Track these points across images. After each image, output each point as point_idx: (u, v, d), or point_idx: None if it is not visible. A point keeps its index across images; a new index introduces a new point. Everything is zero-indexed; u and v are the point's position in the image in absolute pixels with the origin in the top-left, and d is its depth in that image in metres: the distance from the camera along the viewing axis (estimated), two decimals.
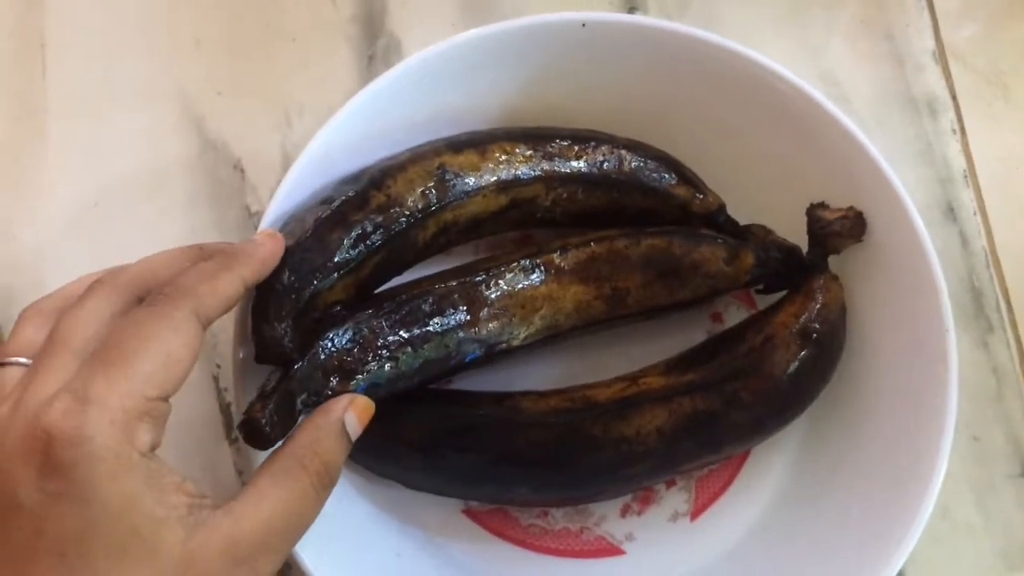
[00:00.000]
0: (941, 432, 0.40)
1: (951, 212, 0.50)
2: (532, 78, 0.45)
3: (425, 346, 0.39)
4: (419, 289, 0.40)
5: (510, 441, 0.41)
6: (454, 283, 0.40)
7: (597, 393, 0.42)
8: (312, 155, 0.41)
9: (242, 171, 0.50)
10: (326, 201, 0.39)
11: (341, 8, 0.53)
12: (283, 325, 0.36)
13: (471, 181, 0.41)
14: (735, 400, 0.41)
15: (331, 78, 0.52)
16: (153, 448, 0.31)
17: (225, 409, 0.47)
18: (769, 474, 0.45)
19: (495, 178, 0.42)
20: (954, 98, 0.52)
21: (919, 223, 0.41)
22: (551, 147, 0.43)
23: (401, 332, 0.39)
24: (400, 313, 0.39)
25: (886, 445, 0.42)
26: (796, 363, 0.41)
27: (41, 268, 0.49)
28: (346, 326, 0.38)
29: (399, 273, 0.41)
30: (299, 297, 0.37)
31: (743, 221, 0.45)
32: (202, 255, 0.35)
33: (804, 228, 0.43)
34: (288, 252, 0.37)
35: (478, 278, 0.41)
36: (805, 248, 0.44)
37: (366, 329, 0.38)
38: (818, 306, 0.42)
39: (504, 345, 0.41)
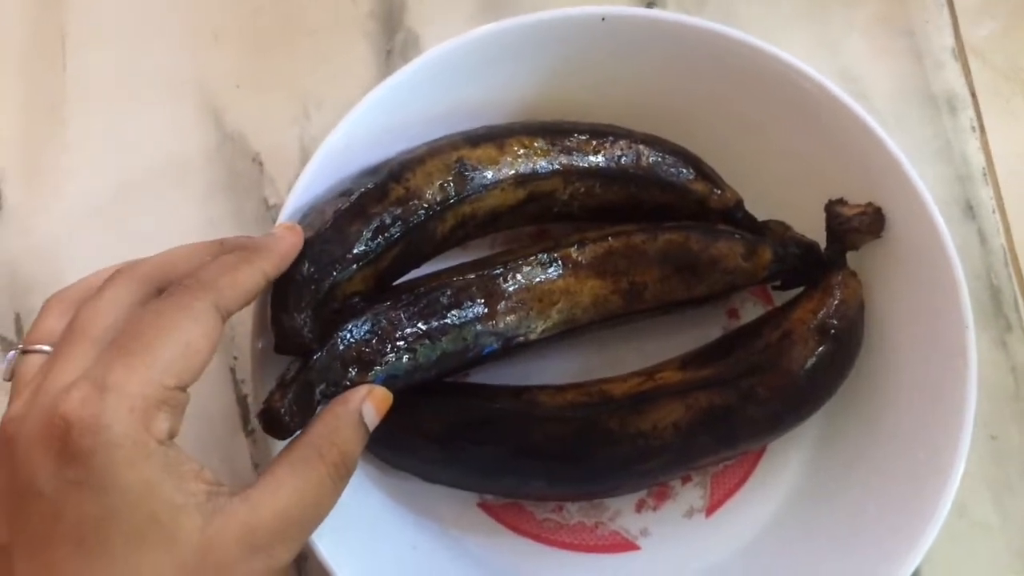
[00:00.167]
0: (959, 429, 0.39)
1: (970, 209, 0.50)
2: (550, 72, 0.45)
3: (443, 338, 0.39)
4: (437, 281, 0.40)
5: (527, 435, 0.41)
6: (472, 276, 0.40)
7: (614, 387, 0.42)
8: (331, 148, 0.41)
9: (260, 164, 0.50)
10: (345, 193, 0.39)
11: (360, 3, 0.53)
12: (303, 316, 0.36)
13: (489, 175, 0.41)
14: (752, 396, 0.41)
15: (349, 72, 0.52)
16: (171, 436, 0.31)
17: (242, 400, 0.47)
18: (785, 470, 0.45)
19: (513, 172, 0.42)
20: (973, 95, 0.52)
21: (938, 219, 0.41)
22: (569, 141, 0.43)
23: (419, 324, 0.39)
24: (418, 305, 0.39)
25: (904, 442, 0.42)
26: (813, 359, 0.41)
27: (60, 259, 0.49)
28: (365, 317, 0.38)
29: (417, 266, 0.41)
30: (319, 288, 0.37)
31: (761, 217, 0.45)
32: (223, 250, 0.35)
33: (822, 224, 0.43)
34: (308, 243, 0.37)
35: (496, 271, 0.41)
36: (823, 244, 0.44)
37: (384, 320, 0.38)
38: (836, 302, 0.42)
39: (521, 338, 0.41)
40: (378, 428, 0.40)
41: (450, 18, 0.53)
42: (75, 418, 0.29)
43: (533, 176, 0.42)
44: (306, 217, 0.40)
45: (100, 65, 0.52)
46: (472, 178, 0.41)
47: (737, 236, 0.43)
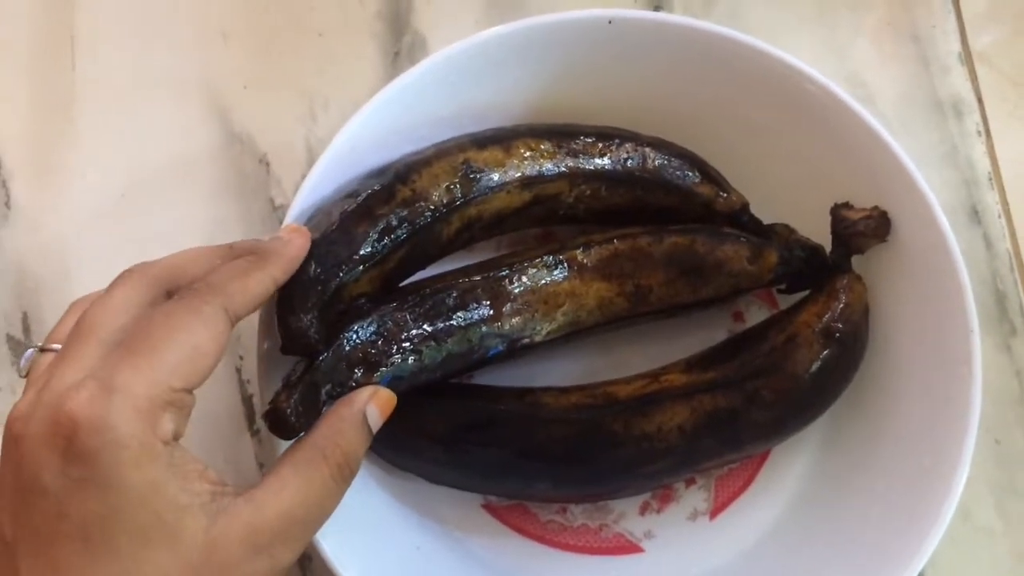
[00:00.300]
0: (964, 434, 0.39)
1: (975, 214, 0.50)
2: (557, 75, 0.45)
3: (448, 340, 0.39)
4: (443, 283, 0.40)
5: (531, 436, 0.41)
6: (478, 278, 0.41)
7: (618, 390, 0.42)
8: (338, 149, 0.41)
9: (267, 164, 0.51)
10: (352, 195, 0.39)
11: (367, 4, 0.53)
12: (309, 316, 0.36)
13: (495, 177, 0.41)
14: (756, 398, 0.41)
15: (356, 74, 0.52)
16: (176, 437, 0.31)
17: (247, 401, 0.47)
18: (789, 474, 0.45)
19: (519, 174, 0.42)
20: (979, 100, 0.52)
21: (944, 223, 0.41)
22: (575, 144, 0.43)
23: (425, 326, 0.39)
24: (424, 307, 0.39)
25: (908, 446, 0.42)
26: (818, 363, 0.41)
27: (68, 258, 0.49)
28: (370, 318, 0.38)
29: (423, 267, 0.42)
30: (325, 289, 0.37)
31: (767, 220, 0.45)
32: (233, 253, 0.35)
33: (828, 228, 0.43)
34: (314, 244, 0.37)
35: (501, 273, 0.41)
36: (829, 248, 0.44)
37: (390, 322, 0.38)
38: (841, 306, 0.42)
39: (527, 340, 0.41)
40: (383, 429, 0.40)
41: (457, 20, 0.53)
42: (81, 417, 0.29)
43: (539, 178, 0.42)
44: (312, 218, 0.40)
45: (109, 65, 0.52)
46: (478, 180, 0.41)
47: (743, 239, 0.43)
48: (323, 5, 0.53)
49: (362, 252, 0.38)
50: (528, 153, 0.42)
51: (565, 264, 0.42)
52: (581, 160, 0.43)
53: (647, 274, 0.43)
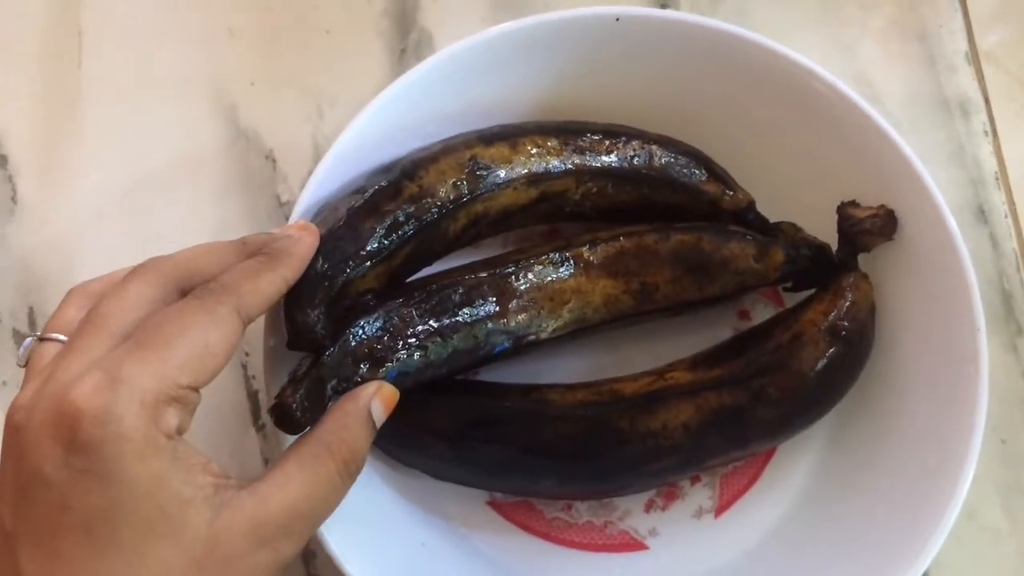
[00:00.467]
0: (970, 433, 0.39)
1: (982, 214, 0.50)
2: (563, 73, 0.45)
3: (454, 336, 0.39)
4: (449, 279, 0.40)
5: (537, 433, 0.41)
6: (484, 274, 0.41)
7: (624, 387, 0.42)
8: (344, 145, 0.41)
9: (273, 161, 0.51)
10: (359, 191, 0.39)
11: (374, 2, 0.53)
12: (316, 312, 0.36)
13: (502, 173, 0.41)
14: (762, 396, 0.41)
15: (363, 71, 0.52)
16: (180, 432, 0.31)
17: (253, 396, 0.47)
18: (795, 472, 0.45)
19: (526, 171, 0.42)
20: (986, 100, 0.52)
21: (951, 221, 0.41)
22: (582, 141, 0.43)
23: (431, 322, 0.39)
24: (430, 303, 0.39)
25: (914, 445, 0.42)
26: (824, 361, 0.41)
27: (73, 253, 0.49)
28: (377, 314, 0.38)
29: (430, 263, 0.42)
30: (332, 285, 0.37)
31: (773, 218, 0.45)
32: (245, 250, 0.36)
33: (834, 226, 0.43)
34: (321, 240, 0.37)
35: (508, 270, 0.41)
36: (835, 246, 0.44)
37: (396, 318, 0.39)
38: (847, 304, 0.42)
39: (532, 337, 0.41)
40: (388, 425, 0.40)
41: (464, 18, 0.53)
42: (86, 407, 0.29)
43: (546, 175, 0.42)
44: (319, 214, 0.40)
45: (115, 62, 0.52)
46: (485, 177, 0.41)
47: (749, 237, 0.43)
48: (329, 3, 0.53)
49: (369, 248, 0.38)
50: (535, 150, 0.42)
51: (571, 261, 0.42)
52: (588, 157, 0.43)
53: (653, 272, 0.43)
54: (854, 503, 0.43)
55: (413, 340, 0.39)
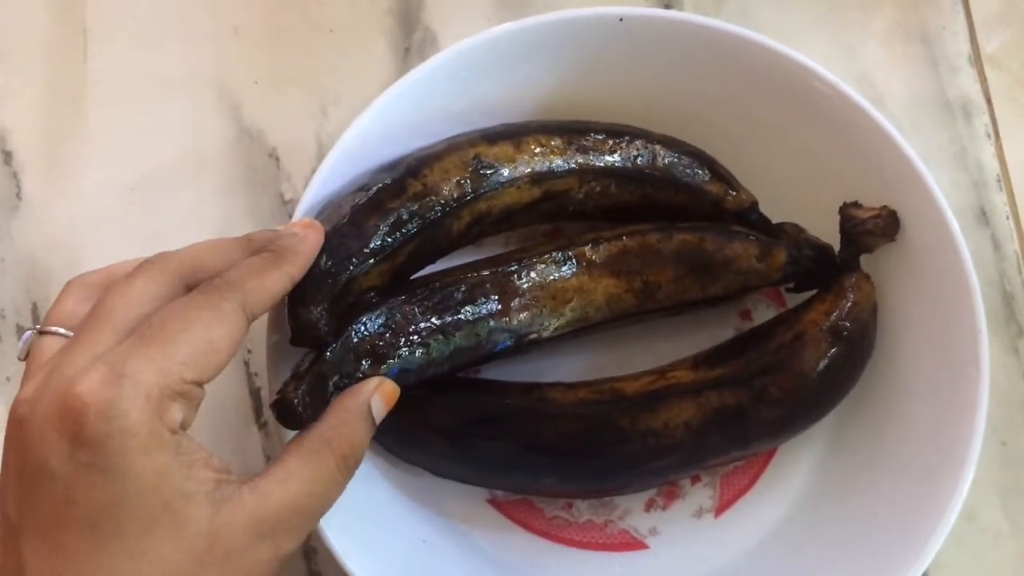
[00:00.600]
0: (970, 435, 0.39)
1: (983, 216, 0.50)
2: (567, 72, 0.45)
3: (456, 334, 0.40)
4: (452, 277, 0.40)
5: (538, 431, 0.41)
6: (486, 272, 0.41)
7: (625, 386, 0.42)
8: (348, 143, 0.41)
9: (277, 159, 0.51)
10: (363, 188, 0.40)
11: (378, 1, 0.53)
12: (319, 309, 0.36)
13: (505, 172, 0.42)
14: (764, 396, 0.41)
15: (367, 70, 0.52)
16: (184, 427, 0.31)
17: (255, 393, 0.47)
18: (795, 473, 0.45)
19: (529, 170, 0.42)
20: (988, 102, 0.52)
21: (953, 222, 0.41)
22: (585, 141, 0.43)
23: (433, 319, 0.39)
24: (432, 300, 0.39)
25: (914, 446, 0.42)
26: (826, 361, 0.41)
27: (77, 250, 0.49)
28: (379, 311, 0.38)
29: (433, 261, 0.42)
30: (335, 282, 0.37)
31: (776, 219, 0.45)
32: (250, 246, 0.36)
33: (837, 227, 0.43)
34: (325, 237, 0.37)
35: (510, 268, 0.41)
36: (837, 247, 0.44)
37: (399, 315, 0.39)
38: (849, 304, 0.42)
39: (534, 335, 0.41)
40: (390, 422, 0.40)
41: (468, 17, 0.53)
42: (91, 401, 0.29)
43: (549, 174, 0.42)
44: (323, 212, 0.40)
45: (121, 59, 0.52)
46: (488, 175, 0.41)
47: (751, 237, 0.43)
48: (334, 1, 0.53)
49: (372, 245, 0.38)
50: (538, 149, 0.42)
51: (574, 260, 0.42)
52: (591, 157, 0.43)
53: (656, 271, 0.43)
54: (854, 504, 0.43)
55: (415, 337, 0.39)
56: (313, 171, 0.41)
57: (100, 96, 0.52)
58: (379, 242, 0.38)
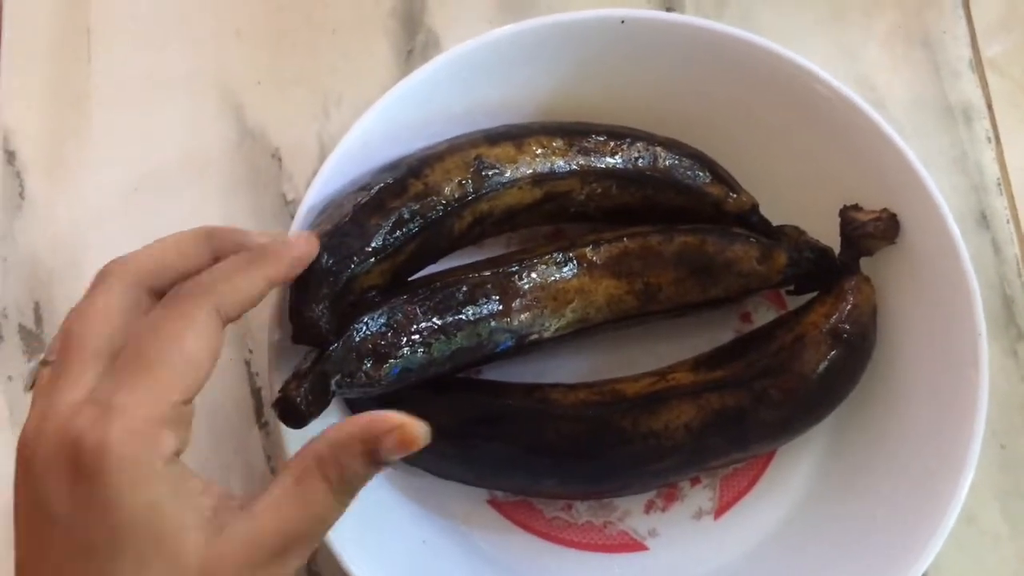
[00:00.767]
0: (970, 438, 0.40)
1: (984, 220, 0.50)
2: (569, 74, 0.45)
3: (458, 334, 0.40)
4: (453, 277, 0.40)
5: (539, 432, 0.41)
6: (488, 273, 0.41)
7: (626, 387, 0.42)
8: (350, 144, 0.42)
9: (279, 160, 0.51)
10: (365, 188, 0.40)
11: (381, 3, 0.53)
12: (320, 307, 0.37)
13: (507, 173, 0.42)
14: (764, 398, 0.41)
15: (369, 71, 0.52)
16: (179, 452, 0.31)
17: (256, 393, 0.47)
18: (795, 475, 0.45)
19: (531, 171, 0.42)
20: (989, 106, 0.52)
21: (953, 226, 0.41)
22: (587, 142, 0.43)
23: (434, 319, 0.39)
24: (434, 300, 0.40)
25: (914, 449, 0.42)
26: (826, 363, 0.41)
27: (81, 250, 0.49)
28: (381, 310, 0.38)
29: (434, 261, 0.42)
30: (336, 280, 0.37)
31: (776, 221, 0.45)
32: (211, 242, 0.34)
33: (837, 230, 0.44)
34: (326, 236, 0.38)
35: (512, 268, 0.41)
36: (838, 250, 0.44)
37: (400, 314, 0.39)
38: (849, 307, 0.42)
39: (535, 336, 0.41)
40: None
41: (470, 19, 0.53)
42: (84, 441, 0.29)
43: (550, 176, 0.42)
44: (325, 211, 0.40)
45: (124, 60, 0.52)
46: (490, 176, 0.41)
47: (752, 240, 0.44)
48: (337, 3, 0.53)
49: (374, 244, 0.38)
50: (540, 150, 0.42)
51: (575, 261, 0.42)
52: (593, 158, 0.43)
53: (656, 273, 0.43)
54: (854, 506, 0.43)
55: (417, 337, 0.39)
56: (315, 172, 0.42)
57: (103, 97, 0.52)
58: (380, 241, 0.38)
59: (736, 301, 0.45)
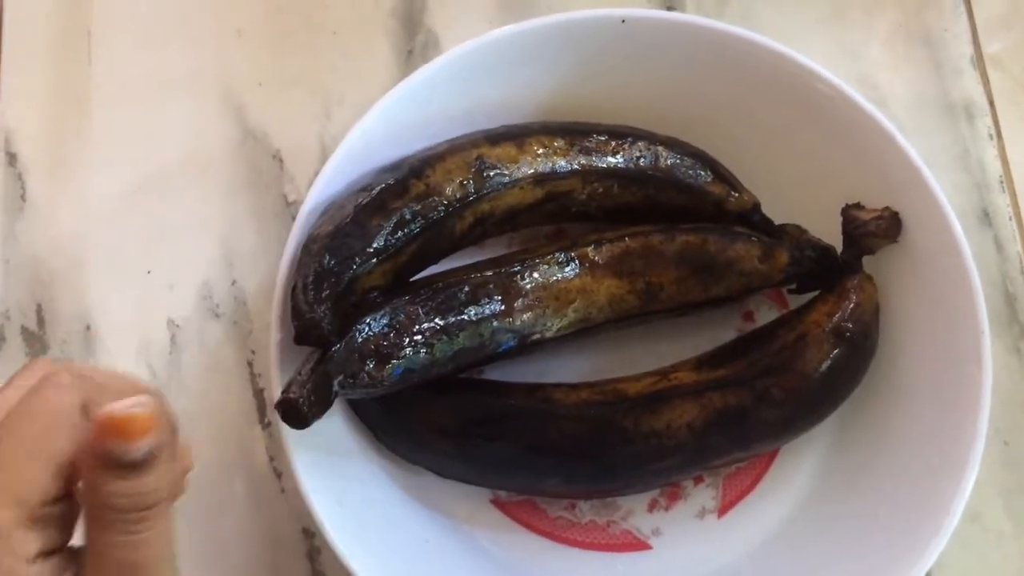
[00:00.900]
0: (973, 435, 0.40)
1: (986, 217, 0.50)
2: (569, 74, 0.45)
3: (460, 334, 0.40)
4: (455, 278, 0.40)
5: (541, 432, 0.41)
6: (490, 273, 0.41)
7: (628, 387, 0.42)
8: (352, 144, 0.42)
9: (281, 161, 0.51)
10: (366, 188, 0.40)
11: (381, 3, 0.53)
12: (322, 307, 0.37)
13: (508, 173, 0.42)
14: (766, 397, 0.41)
15: (370, 72, 0.52)
16: (50, 551, 0.29)
17: (259, 394, 0.47)
18: (798, 473, 0.45)
19: (532, 171, 0.42)
20: (991, 104, 0.52)
21: (955, 224, 0.41)
22: (588, 142, 0.43)
23: (436, 319, 0.39)
24: (436, 300, 0.39)
25: (917, 447, 0.42)
26: (828, 362, 0.41)
27: (82, 251, 0.49)
28: (383, 311, 0.38)
29: (435, 262, 0.42)
30: (338, 281, 0.37)
31: (778, 220, 0.45)
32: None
33: (839, 229, 0.44)
34: (329, 237, 0.38)
35: (513, 269, 0.41)
36: (840, 248, 0.44)
37: (402, 315, 0.39)
38: (852, 306, 0.42)
39: (537, 336, 0.41)
40: (393, 422, 0.41)
41: (470, 19, 0.53)
42: None
43: (552, 175, 0.42)
44: (326, 212, 0.40)
45: (125, 61, 0.52)
46: (491, 176, 0.41)
47: (754, 239, 0.44)
48: (337, 4, 0.54)
49: (376, 245, 0.38)
50: (541, 150, 0.42)
51: (577, 261, 0.42)
52: (594, 158, 0.43)
53: (658, 272, 0.43)
54: (857, 504, 0.43)
55: (419, 337, 0.39)
56: (316, 172, 0.42)
57: (104, 98, 0.52)
58: (382, 242, 0.38)
59: (738, 300, 0.45)
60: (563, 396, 0.42)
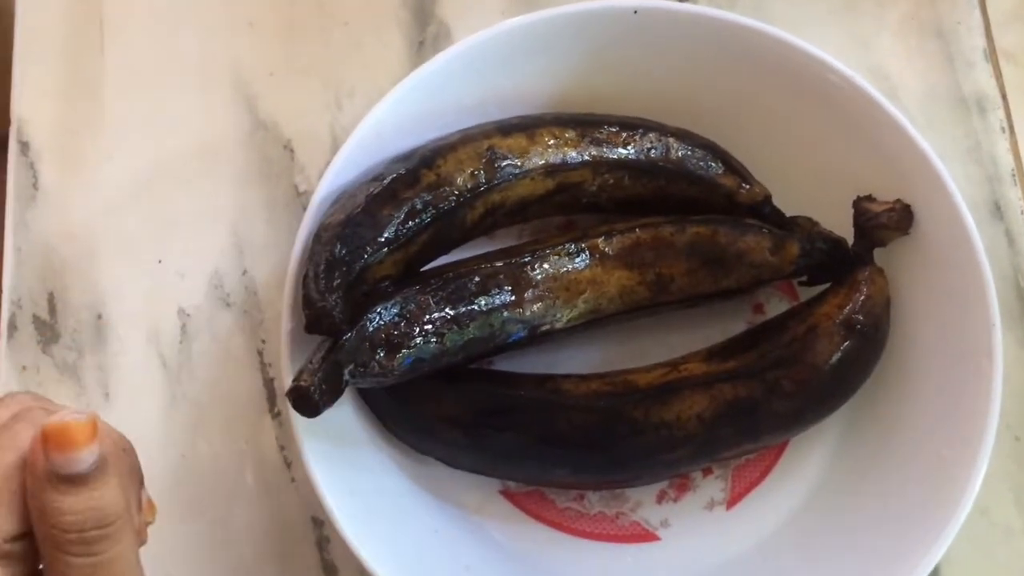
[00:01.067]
0: (983, 429, 0.39)
1: (998, 210, 0.50)
2: (580, 65, 0.45)
3: (470, 324, 0.40)
4: (466, 268, 0.40)
5: (552, 422, 0.41)
6: (500, 264, 0.41)
7: (638, 378, 0.42)
8: (363, 135, 0.42)
9: (292, 151, 0.51)
10: (377, 178, 0.40)
11: None
12: (333, 296, 0.37)
13: (519, 164, 0.42)
14: (776, 389, 0.41)
15: (381, 62, 0.52)
16: None
17: (269, 383, 0.48)
18: (807, 465, 0.45)
19: (543, 162, 0.42)
20: (1004, 96, 0.52)
21: (967, 217, 0.41)
22: (599, 133, 0.43)
23: (447, 309, 0.39)
24: (446, 290, 0.40)
25: (927, 440, 0.42)
26: (839, 354, 0.41)
27: (94, 240, 0.50)
28: (394, 300, 0.38)
29: (446, 252, 0.42)
30: (350, 270, 0.37)
31: (789, 212, 0.45)
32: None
33: (850, 221, 0.44)
34: (340, 226, 0.38)
35: (524, 259, 0.41)
36: (851, 241, 0.44)
37: (413, 305, 0.39)
38: (863, 298, 0.42)
39: (547, 327, 0.41)
40: (403, 412, 0.41)
41: (482, 10, 0.53)
42: None
43: (563, 166, 0.42)
44: (337, 202, 0.40)
45: (137, 50, 0.53)
46: (502, 167, 0.41)
47: (765, 231, 0.44)
48: None
49: (387, 235, 0.38)
50: (552, 141, 0.42)
51: (587, 252, 0.42)
52: (605, 149, 0.43)
53: (669, 264, 0.43)
54: (867, 497, 0.43)
55: (429, 327, 0.39)
56: (327, 162, 0.42)
57: (116, 87, 0.52)
58: (393, 231, 0.38)
59: (748, 292, 0.45)
60: (573, 387, 0.42)
